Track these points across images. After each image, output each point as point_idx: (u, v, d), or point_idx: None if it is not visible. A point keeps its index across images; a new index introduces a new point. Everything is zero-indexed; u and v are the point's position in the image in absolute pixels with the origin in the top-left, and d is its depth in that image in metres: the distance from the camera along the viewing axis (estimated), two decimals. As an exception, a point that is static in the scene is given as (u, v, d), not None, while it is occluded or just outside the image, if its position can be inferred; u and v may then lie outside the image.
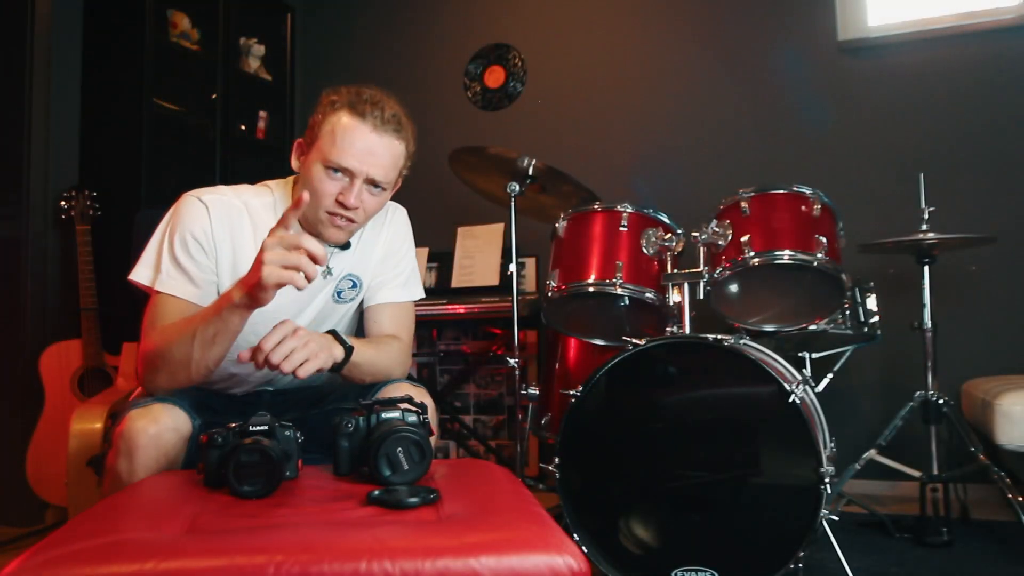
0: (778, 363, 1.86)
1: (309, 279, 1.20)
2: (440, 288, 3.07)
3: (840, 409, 2.57)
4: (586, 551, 1.80)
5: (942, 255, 2.35)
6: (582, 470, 1.86)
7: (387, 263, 1.64)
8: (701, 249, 2.07)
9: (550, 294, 2.21)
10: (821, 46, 3.03)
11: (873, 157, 2.94)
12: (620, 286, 2.10)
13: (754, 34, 3.14)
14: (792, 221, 2.09)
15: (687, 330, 1.98)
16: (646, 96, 3.29)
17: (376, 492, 1.03)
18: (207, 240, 1.43)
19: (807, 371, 2.36)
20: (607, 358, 1.88)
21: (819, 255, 2.01)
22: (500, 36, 3.53)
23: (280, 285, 1.20)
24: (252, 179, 1.63)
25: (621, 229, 2.16)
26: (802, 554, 1.66)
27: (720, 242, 2.10)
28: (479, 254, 3.05)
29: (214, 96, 3.25)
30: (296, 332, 1.29)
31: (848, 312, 2.31)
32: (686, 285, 2.02)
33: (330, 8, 3.85)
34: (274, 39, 3.62)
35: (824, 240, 2.03)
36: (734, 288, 2.20)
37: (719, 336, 1.80)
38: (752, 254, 2.04)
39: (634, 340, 1.88)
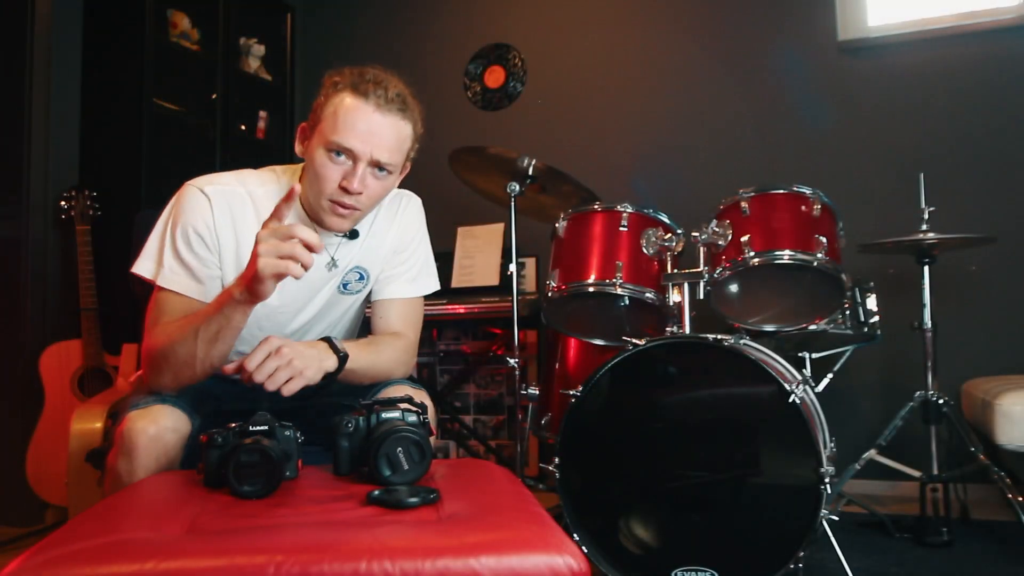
0: (778, 363, 1.86)
1: (306, 267, 1.19)
2: (440, 288, 3.06)
3: (840, 409, 2.58)
4: (586, 551, 1.80)
5: (942, 255, 2.35)
6: (582, 470, 1.86)
7: (397, 257, 1.61)
8: (701, 249, 2.07)
9: (550, 294, 2.21)
10: (821, 46, 3.03)
11: (873, 157, 2.93)
12: (620, 286, 2.09)
13: (754, 34, 3.14)
14: (792, 221, 2.09)
15: (687, 330, 1.98)
16: (646, 96, 3.29)
17: (376, 492, 1.03)
18: (209, 234, 1.41)
19: (807, 371, 2.36)
20: (607, 358, 1.88)
21: (819, 255, 2.01)
22: (500, 36, 3.53)
23: (278, 276, 1.19)
24: (252, 179, 1.61)
25: (621, 229, 2.16)
26: (802, 554, 1.66)
27: (720, 242, 2.10)
28: (479, 254, 3.05)
29: (214, 96, 3.25)
30: (280, 350, 1.26)
31: (848, 312, 2.31)
32: (686, 285, 2.02)
33: (330, 8, 3.85)
34: (274, 39, 3.62)
35: (824, 240, 2.03)
36: (734, 288, 2.20)
37: (719, 336, 1.80)
38: (752, 254, 2.04)
39: (634, 340, 1.88)
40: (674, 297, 2.08)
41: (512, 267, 2.36)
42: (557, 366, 2.55)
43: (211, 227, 1.41)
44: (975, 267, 2.76)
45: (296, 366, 1.26)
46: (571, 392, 1.88)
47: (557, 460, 1.86)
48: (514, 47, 3.50)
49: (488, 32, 3.56)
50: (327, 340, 1.39)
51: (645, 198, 2.58)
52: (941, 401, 2.23)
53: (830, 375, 2.44)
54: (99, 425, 2.24)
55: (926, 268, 2.30)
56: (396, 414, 1.18)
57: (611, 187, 2.77)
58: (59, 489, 2.46)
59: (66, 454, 2.23)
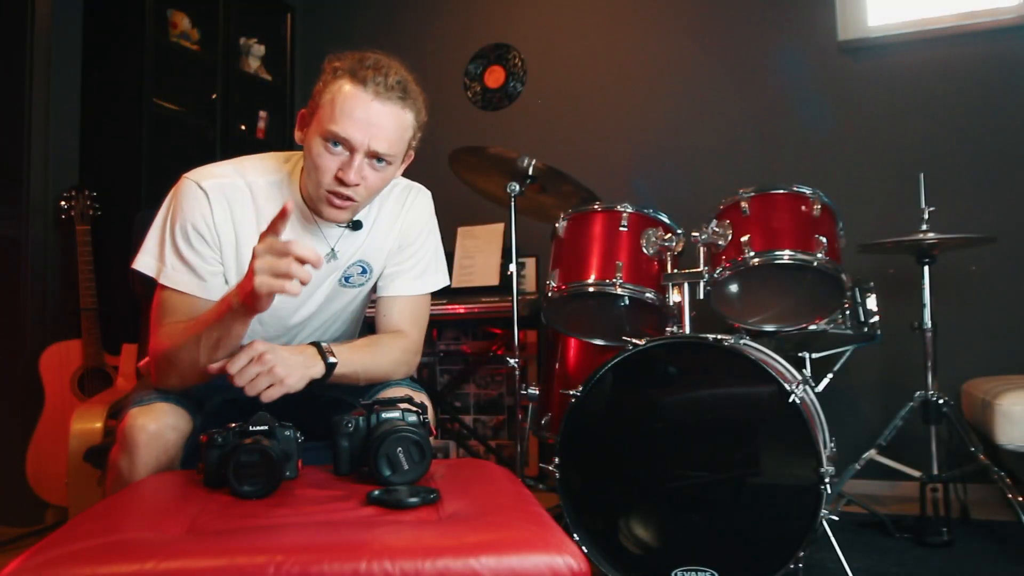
0: (778, 363, 1.86)
1: (303, 283, 1.17)
2: (440, 288, 3.06)
3: (840, 409, 2.58)
4: (586, 551, 1.80)
5: (942, 255, 2.35)
6: (582, 470, 1.86)
7: (403, 252, 1.57)
8: (701, 249, 2.07)
9: (550, 294, 2.21)
10: (821, 46, 3.03)
11: (873, 157, 2.93)
12: (620, 286, 2.09)
13: (754, 34, 3.14)
14: (792, 221, 2.09)
15: (687, 330, 1.98)
16: (646, 96, 3.29)
17: (376, 492, 1.03)
18: (209, 230, 1.39)
19: (807, 371, 2.36)
20: (607, 358, 1.88)
21: (819, 255, 2.01)
22: (500, 36, 3.53)
23: (273, 294, 1.18)
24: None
25: (621, 229, 2.16)
26: (802, 554, 1.66)
27: (720, 242, 2.10)
28: (479, 254, 3.05)
29: (214, 96, 3.25)
30: (262, 356, 1.24)
31: (848, 312, 2.31)
32: (686, 285, 2.02)
33: (330, 8, 3.85)
34: (274, 39, 3.62)
35: (824, 240, 2.03)
36: (734, 288, 2.20)
37: (719, 336, 1.80)
38: (752, 254, 2.04)
39: (634, 340, 1.88)
40: (674, 297, 2.08)
41: (512, 267, 2.36)
42: (557, 366, 2.55)
43: (210, 223, 1.39)
44: (975, 267, 2.76)
45: (277, 374, 1.24)
46: (571, 392, 1.88)
47: (557, 460, 1.86)
48: (514, 47, 3.50)
49: (488, 32, 3.56)
50: (316, 345, 1.36)
51: (645, 198, 2.57)
52: (941, 401, 2.23)
53: (830, 375, 2.44)
54: (99, 425, 2.24)
55: (926, 268, 2.30)
56: (396, 414, 1.18)
57: (611, 187, 2.77)
58: (59, 489, 2.46)
59: (66, 454, 2.23)
